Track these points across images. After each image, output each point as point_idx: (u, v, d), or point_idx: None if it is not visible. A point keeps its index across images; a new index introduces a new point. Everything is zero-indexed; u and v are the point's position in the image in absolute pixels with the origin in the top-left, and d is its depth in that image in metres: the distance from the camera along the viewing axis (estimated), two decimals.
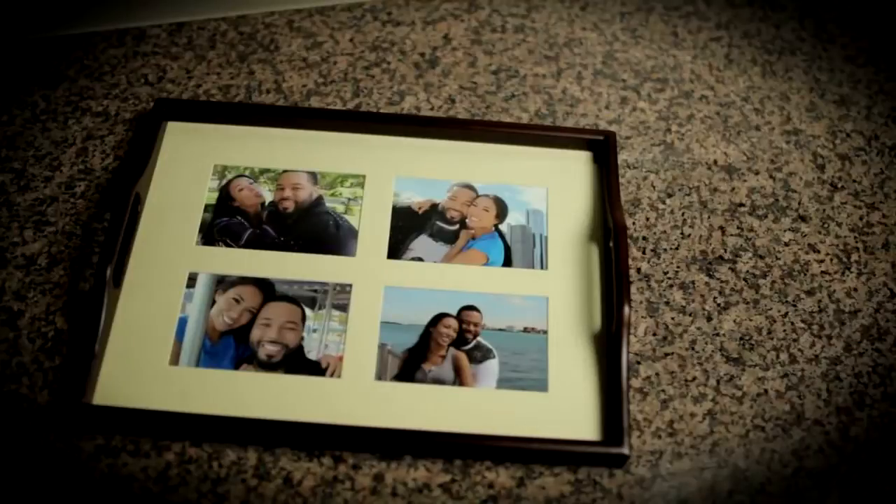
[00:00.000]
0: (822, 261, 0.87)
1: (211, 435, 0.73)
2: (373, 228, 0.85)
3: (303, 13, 1.03)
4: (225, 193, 0.87)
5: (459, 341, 0.79)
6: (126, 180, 0.85)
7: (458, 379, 0.77)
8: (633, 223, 0.88)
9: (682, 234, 0.88)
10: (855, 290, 0.85)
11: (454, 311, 0.81)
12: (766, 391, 0.78)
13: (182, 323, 0.79)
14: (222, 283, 0.81)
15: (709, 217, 0.89)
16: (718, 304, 0.83)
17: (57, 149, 0.90)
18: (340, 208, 0.87)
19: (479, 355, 0.79)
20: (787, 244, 0.88)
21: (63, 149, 0.90)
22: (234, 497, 0.70)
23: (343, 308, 0.81)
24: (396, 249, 0.84)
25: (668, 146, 0.94)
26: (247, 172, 0.88)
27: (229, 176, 0.88)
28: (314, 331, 0.79)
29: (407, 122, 0.92)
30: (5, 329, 0.78)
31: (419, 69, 0.99)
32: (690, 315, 0.82)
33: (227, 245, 0.84)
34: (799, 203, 0.91)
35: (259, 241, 0.85)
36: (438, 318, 0.80)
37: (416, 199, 0.88)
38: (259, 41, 1.01)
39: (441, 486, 0.72)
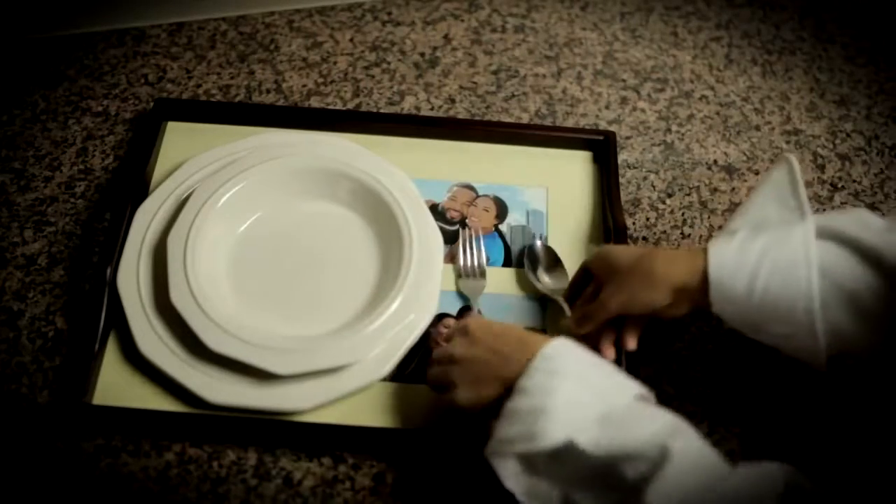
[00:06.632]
0: None
1: (211, 435, 0.73)
2: None
3: (303, 13, 1.03)
4: None
5: None
6: (126, 180, 0.85)
7: None
8: (633, 223, 0.88)
9: (682, 234, 0.87)
10: None
11: (454, 311, 0.81)
12: None
13: None
14: None
15: (709, 217, 0.89)
16: None
17: (57, 149, 0.90)
18: None
19: None
20: None
21: (63, 149, 0.90)
22: (234, 497, 0.70)
23: None
24: None
25: (668, 146, 0.94)
26: None
27: None
28: None
29: (407, 122, 0.92)
30: (5, 329, 0.78)
31: (419, 69, 0.99)
32: (690, 315, 0.82)
33: None
34: None
35: None
36: (439, 318, 0.80)
37: None
38: (259, 41, 1.00)
39: (442, 485, 0.72)
